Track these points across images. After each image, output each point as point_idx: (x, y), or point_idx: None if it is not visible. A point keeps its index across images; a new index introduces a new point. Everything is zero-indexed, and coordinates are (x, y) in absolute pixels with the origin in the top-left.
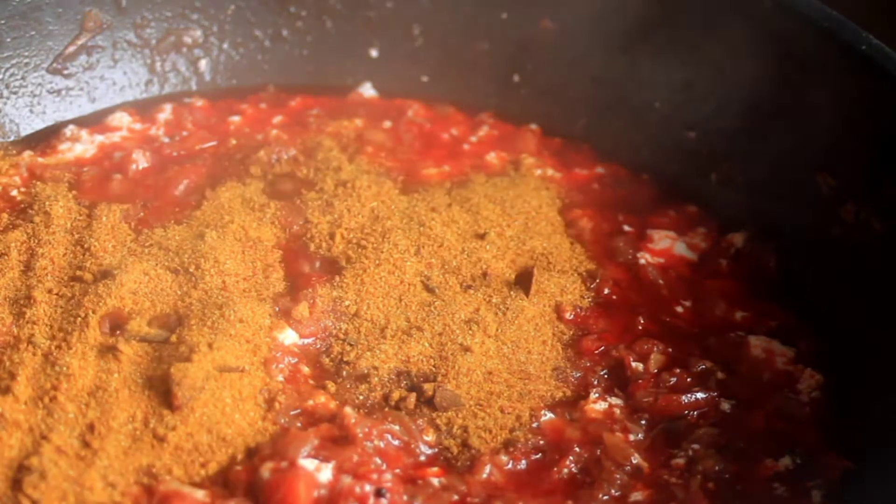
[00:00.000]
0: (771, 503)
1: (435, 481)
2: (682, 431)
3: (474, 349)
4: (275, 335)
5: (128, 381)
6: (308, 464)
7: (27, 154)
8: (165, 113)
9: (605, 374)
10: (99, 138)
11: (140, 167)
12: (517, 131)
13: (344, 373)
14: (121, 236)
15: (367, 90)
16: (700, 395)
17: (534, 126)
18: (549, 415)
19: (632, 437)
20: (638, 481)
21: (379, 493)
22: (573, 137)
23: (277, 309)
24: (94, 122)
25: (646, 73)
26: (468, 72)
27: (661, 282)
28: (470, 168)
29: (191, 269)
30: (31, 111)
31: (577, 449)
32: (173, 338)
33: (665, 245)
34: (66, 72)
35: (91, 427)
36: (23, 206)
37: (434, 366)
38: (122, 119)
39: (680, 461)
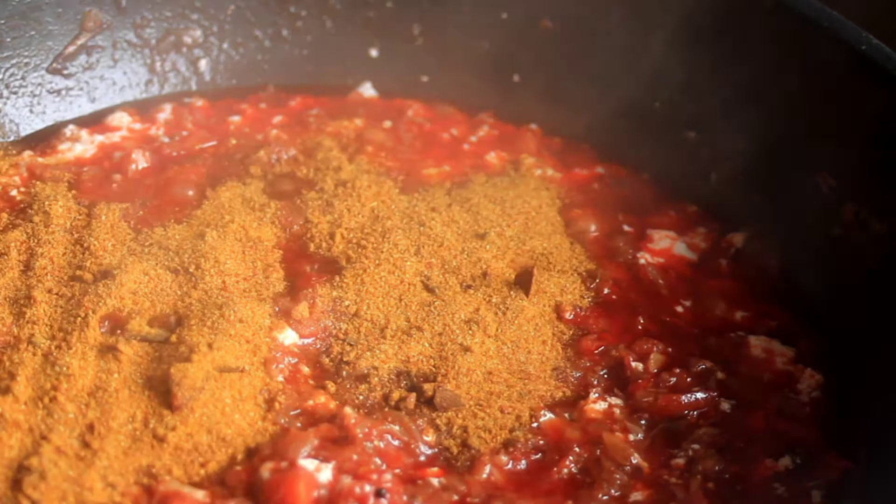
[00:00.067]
0: (771, 503)
1: (435, 481)
2: (682, 431)
3: (474, 349)
4: (275, 335)
5: (128, 382)
6: (308, 464)
7: (27, 154)
8: (165, 113)
9: (604, 374)
10: (99, 138)
11: (140, 167)
12: (517, 131)
13: (344, 373)
14: (120, 236)
15: (367, 90)
16: (700, 395)
17: (534, 126)
18: (549, 415)
19: (632, 437)
20: (638, 481)
21: (379, 494)
22: (573, 137)
23: (277, 309)
24: (93, 122)
25: (646, 73)
26: (468, 72)
27: (661, 282)
28: (470, 168)
29: (191, 269)
30: (31, 111)
31: (576, 449)
32: (173, 338)
33: (665, 245)
34: (65, 72)
35: (91, 427)
36: (22, 205)
37: (434, 366)
38: (121, 119)
39: (680, 461)
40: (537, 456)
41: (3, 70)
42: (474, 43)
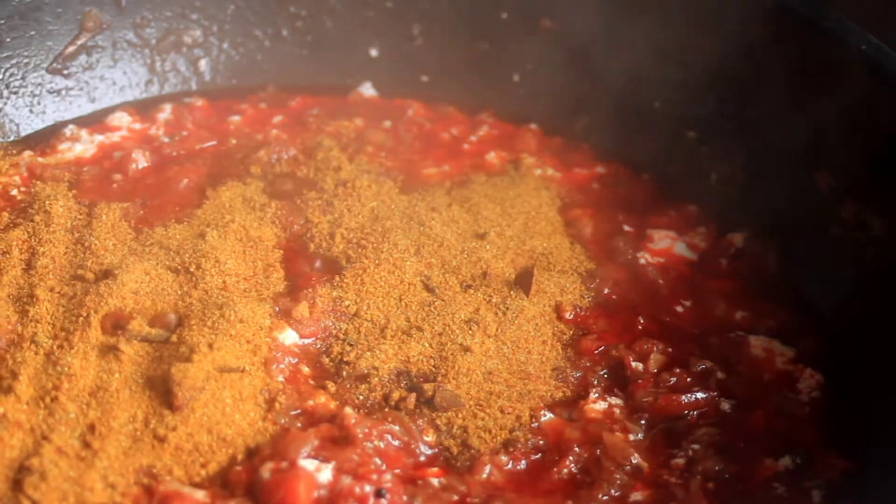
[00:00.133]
0: (771, 503)
1: (435, 481)
2: (681, 431)
3: (474, 349)
4: (275, 335)
5: (128, 382)
6: (308, 464)
7: (27, 154)
8: (165, 113)
9: (604, 374)
10: (99, 138)
11: (140, 167)
12: (517, 131)
13: (344, 373)
14: (121, 235)
15: (367, 90)
16: (700, 395)
17: (534, 126)
18: (549, 415)
19: (631, 437)
20: (638, 481)
21: (379, 494)
22: (573, 137)
23: (278, 309)
24: (93, 121)
25: (646, 73)
26: (468, 71)
27: (661, 281)
28: (470, 168)
29: (191, 269)
30: (31, 111)
31: (576, 449)
32: (174, 338)
33: (665, 245)
34: (65, 72)
35: (92, 427)
36: (23, 205)
37: (434, 366)
38: (121, 119)
39: (680, 461)
40: (537, 456)
41: (3, 70)
42: (474, 43)
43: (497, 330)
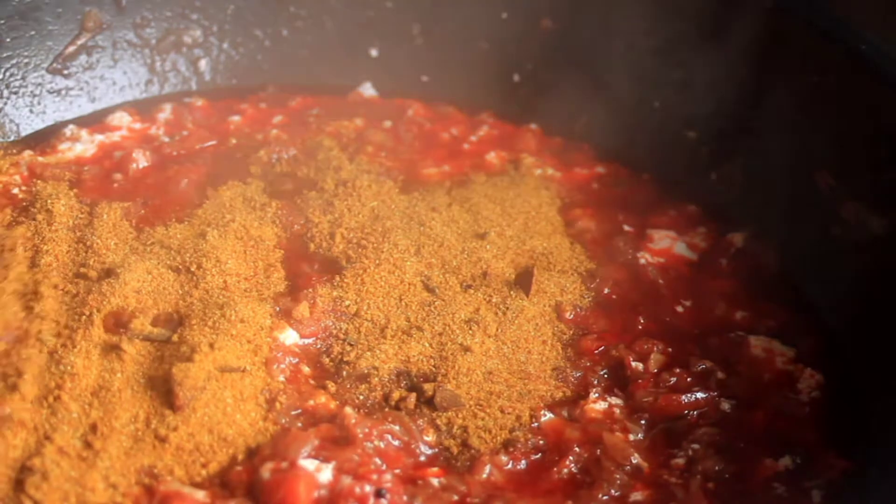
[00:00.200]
0: (771, 503)
1: (435, 481)
2: (681, 431)
3: (474, 349)
4: (276, 335)
5: (130, 381)
6: (308, 464)
7: (27, 153)
8: (165, 113)
9: (604, 373)
10: (99, 138)
11: (140, 166)
12: (517, 131)
13: (344, 373)
14: (122, 234)
15: (367, 90)
16: (700, 395)
17: (534, 126)
18: (549, 415)
19: (631, 437)
20: (638, 481)
21: (379, 494)
22: (573, 137)
23: (278, 309)
24: (94, 121)
25: (646, 73)
26: (468, 71)
27: (661, 281)
28: (470, 168)
29: (192, 269)
30: (31, 111)
31: (576, 449)
32: (175, 337)
33: (665, 245)
34: (66, 72)
35: (94, 427)
36: (24, 203)
37: (434, 366)
38: (122, 119)
39: (680, 461)
40: (537, 456)
41: (3, 70)
42: (474, 42)
43: (497, 330)
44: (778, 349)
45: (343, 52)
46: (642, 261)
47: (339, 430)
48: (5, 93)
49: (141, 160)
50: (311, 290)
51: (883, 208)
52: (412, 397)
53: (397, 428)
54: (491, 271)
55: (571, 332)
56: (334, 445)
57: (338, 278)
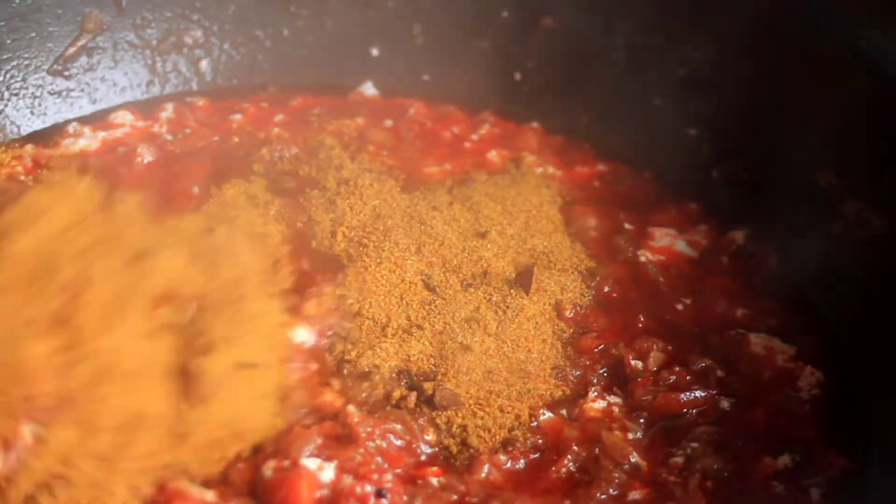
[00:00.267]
0: (770, 502)
1: (434, 481)
2: (681, 430)
3: (474, 348)
4: (287, 332)
5: (151, 376)
6: (310, 463)
7: (30, 147)
8: (167, 112)
9: (604, 372)
10: (102, 134)
11: (145, 161)
12: (518, 129)
13: (345, 371)
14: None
15: (369, 89)
16: (699, 394)
17: (535, 124)
18: (548, 414)
19: (630, 436)
20: (636, 480)
21: (380, 494)
22: (574, 135)
23: (287, 306)
24: (96, 120)
25: (646, 71)
26: (469, 70)
27: (661, 279)
28: (471, 166)
29: (206, 262)
30: (32, 112)
31: (575, 448)
32: (192, 331)
33: (666, 242)
34: (66, 73)
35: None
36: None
37: (434, 364)
38: (124, 117)
39: (678, 460)
40: (536, 455)
41: (3, 72)
42: (475, 41)
43: (497, 329)
44: (778, 347)
45: (344, 52)
46: (643, 259)
47: (341, 429)
48: (6, 94)
49: (146, 155)
50: (315, 288)
51: (884, 207)
52: (412, 396)
53: (399, 427)
54: (491, 270)
55: (571, 331)
56: (337, 444)
57: (340, 276)
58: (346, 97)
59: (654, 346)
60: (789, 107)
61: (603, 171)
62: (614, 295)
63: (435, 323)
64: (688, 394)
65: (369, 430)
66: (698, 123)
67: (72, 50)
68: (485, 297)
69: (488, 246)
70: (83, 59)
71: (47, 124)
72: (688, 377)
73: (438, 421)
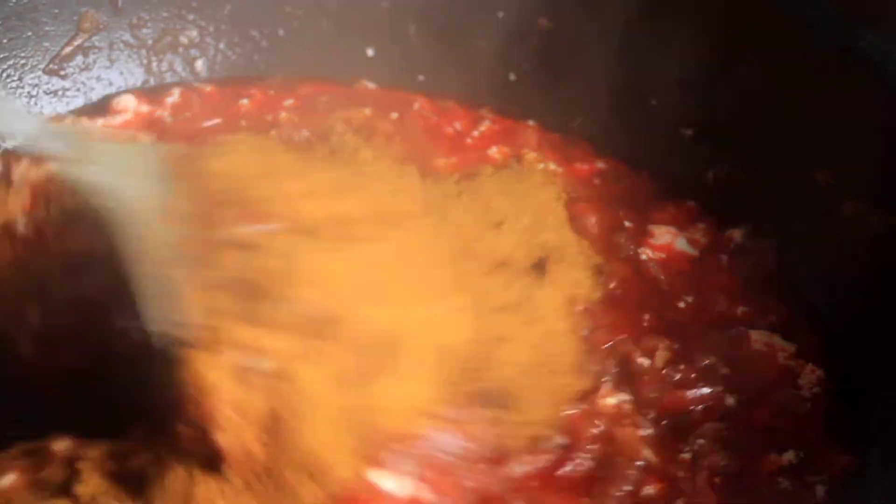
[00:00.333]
0: (776, 497)
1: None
2: (687, 426)
3: (507, 339)
4: None
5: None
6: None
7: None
8: (174, 97)
9: (615, 369)
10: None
11: None
12: (517, 126)
13: None
14: None
15: (369, 86)
16: (705, 391)
17: (531, 123)
18: (568, 409)
19: (642, 433)
20: (649, 476)
21: None
22: (570, 136)
23: None
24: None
25: (642, 72)
26: (464, 70)
27: (662, 277)
28: (475, 161)
29: None
30: (29, 112)
31: (591, 445)
32: None
33: (666, 240)
34: (62, 72)
35: None
36: None
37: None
38: (127, 102)
39: (686, 456)
40: (556, 451)
41: None
42: (470, 42)
43: (523, 319)
44: (779, 344)
45: (339, 52)
46: (643, 256)
47: None
48: (1, 93)
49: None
50: None
51: (883, 207)
52: None
53: None
54: (510, 260)
55: (585, 326)
56: None
57: None
58: (352, 87)
59: (660, 345)
60: (787, 106)
61: (602, 169)
62: (619, 292)
63: None
64: (694, 391)
65: None
66: (694, 124)
67: (68, 49)
68: (506, 287)
69: (503, 237)
70: (79, 59)
71: None
72: (693, 375)
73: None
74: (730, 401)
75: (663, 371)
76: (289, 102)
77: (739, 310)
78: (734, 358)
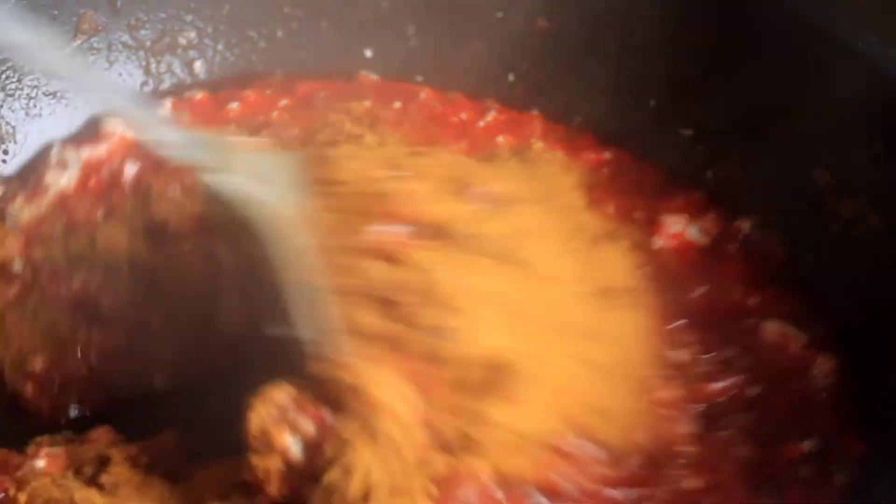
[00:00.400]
0: (798, 485)
1: None
2: (714, 417)
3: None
4: None
5: None
6: None
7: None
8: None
9: None
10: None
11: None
12: (521, 116)
13: None
14: None
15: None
16: (729, 382)
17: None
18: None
19: (678, 426)
20: (687, 469)
21: None
22: (570, 133)
23: None
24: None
25: (641, 72)
26: (463, 71)
27: (675, 267)
28: (485, 147)
29: None
30: (27, 114)
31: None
32: None
33: (678, 229)
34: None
35: None
36: None
37: None
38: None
39: (716, 446)
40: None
41: None
42: (469, 42)
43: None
44: (792, 333)
45: (338, 53)
46: (656, 246)
47: None
48: (1, 95)
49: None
50: None
51: (882, 206)
52: None
53: None
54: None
55: None
56: None
57: None
58: (353, 80)
59: (686, 338)
60: (787, 106)
61: (609, 159)
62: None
63: None
64: (719, 383)
65: None
66: (693, 124)
67: (67, 51)
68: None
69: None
70: (78, 60)
71: (42, 126)
72: (717, 366)
73: None
74: (752, 391)
75: (689, 362)
76: (284, 102)
77: (751, 300)
78: (750, 348)
